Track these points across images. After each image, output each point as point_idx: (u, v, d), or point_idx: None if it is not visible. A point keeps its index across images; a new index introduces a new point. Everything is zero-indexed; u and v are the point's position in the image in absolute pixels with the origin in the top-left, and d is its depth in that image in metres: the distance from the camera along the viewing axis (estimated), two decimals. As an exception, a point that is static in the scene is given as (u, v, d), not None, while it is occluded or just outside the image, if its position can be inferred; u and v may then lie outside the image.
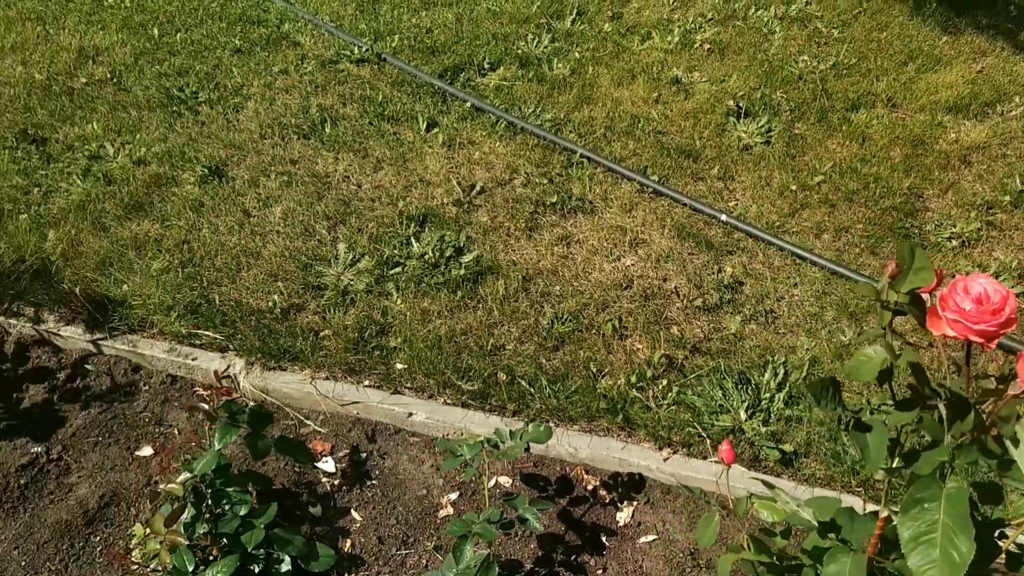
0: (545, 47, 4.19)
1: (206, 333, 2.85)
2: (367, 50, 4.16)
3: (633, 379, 2.62)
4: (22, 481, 2.58)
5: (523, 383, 2.66)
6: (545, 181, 3.40)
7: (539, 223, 3.24)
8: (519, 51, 4.15)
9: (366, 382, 2.73)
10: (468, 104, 3.80)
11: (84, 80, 4.04)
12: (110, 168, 3.53)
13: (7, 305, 2.97)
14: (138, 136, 3.70)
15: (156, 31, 4.37)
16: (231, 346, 2.84)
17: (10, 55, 4.19)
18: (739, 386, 2.61)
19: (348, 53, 4.18)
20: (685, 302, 2.90)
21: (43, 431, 2.70)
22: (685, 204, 3.23)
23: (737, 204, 3.29)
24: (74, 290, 2.96)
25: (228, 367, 2.78)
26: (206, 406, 2.30)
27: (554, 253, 3.10)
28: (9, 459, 2.62)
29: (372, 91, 3.93)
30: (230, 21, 4.45)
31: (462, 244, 3.15)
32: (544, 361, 2.73)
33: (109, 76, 4.07)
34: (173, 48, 4.27)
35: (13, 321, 2.95)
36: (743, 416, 2.52)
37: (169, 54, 4.24)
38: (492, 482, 2.52)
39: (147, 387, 2.85)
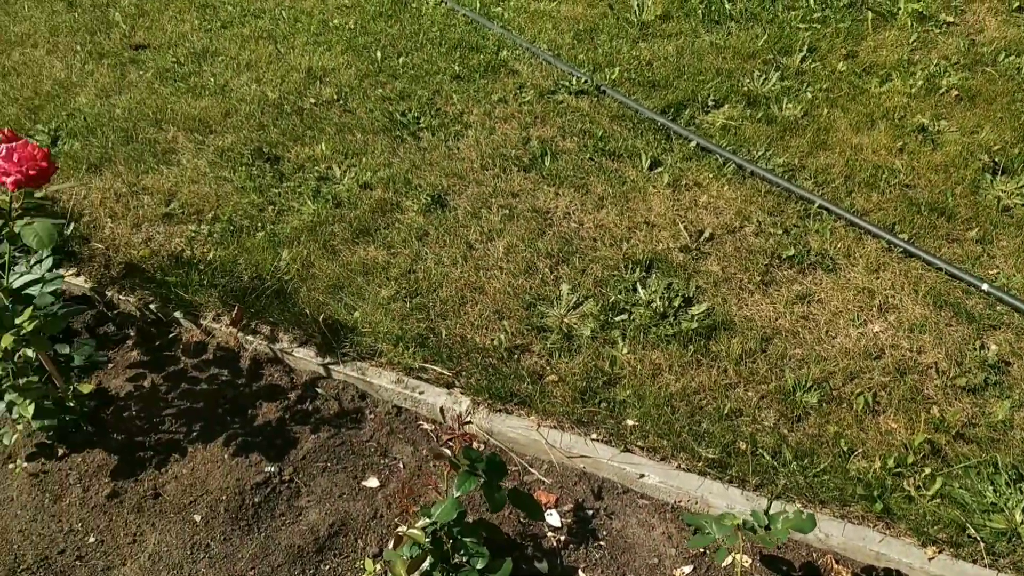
0: (773, 85, 3.99)
1: (433, 368, 2.84)
2: (586, 81, 4.10)
3: (891, 463, 2.40)
4: (256, 499, 2.63)
5: (765, 455, 2.49)
6: (779, 232, 3.21)
7: (775, 277, 3.06)
8: (745, 89, 3.97)
9: (594, 435, 2.64)
10: (693, 143, 3.66)
11: (312, 100, 4.16)
12: (338, 190, 3.61)
13: (246, 322, 3.06)
14: (363, 160, 3.77)
15: (379, 54, 4.46)
16: (457, 383, 2.82)
17: (245, 72, 4.38)
18: (1013, 483, 2.34)
19: (566, 84, 4.13)
20: (944, 380, 2.64)
21: (275, 451, 2.76)
22: (940, 269, 2.96)
23: (999, 272, 2.99)
24: (307, 312, 3.02)
25: (454, 405, 2.75)
26: (448, 452, 2.26)
27: (793, 312, 2.91)
28: (245, 476, 2.68)
29: (592, 124, 3.86)
30: (449, 46, 4.49)
31: (691, 294, 3.01)
32: (787, 432, 2.55)
33: (335, 97, 4.18)
34: (395, 72, 4.35)
35: (250, 338, 3.04)
36: (1019, 519, 2.26)
37: (391, 77, 4.31)
38: (728, 559, 2.37)
39: (373, 416, 2.86)
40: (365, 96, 4.19)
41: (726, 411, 2.62)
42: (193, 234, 3.41)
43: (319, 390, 2.95)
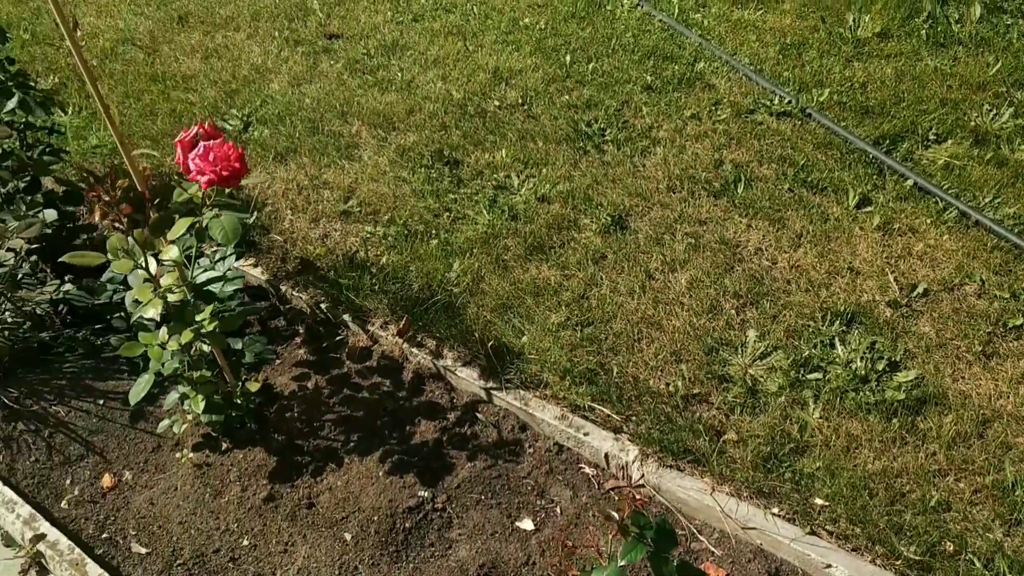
0: (1005, 123, 3.52)
1: (601, 409, 2.65)
2: (789, 102, 3.77)
3: None
4: (407, 524, 2.54)
5: (976, 562, 2.15)
6: (1007, 295, 2.81)
7: (998, 349, 2.67)
8: (973, 124, 3.53)
9: (775, 509, 2.37)
10: (909, 182, 3.28)
11: (497, 103, 4.04)
12: (514, 201, 3.47)
13: (412, 333, 2.97)
14: (543, 171, 3.61)
15: (568, 58, 4.29)
16: (626, 429, 2.61)
17: (432, 69, 4.31)
18: None
19: (767, 103, 3.81)
20: None
21: (430, 475, 2.66)
22: None
23: None
24: (473, 330, 2.91)
25: (621, 453, 2.55)
26: (616, 514, 2.07)
27: (1019, 393, 2.52)
28: (398, 498, 2.60)
29: (793, 151, 3.53)
30: (642, 54, 4.26)
31: (898, 358, 2.67)
32: (1004, 537, 2.20)
33: (520, 101, 4.04)
34: (583, 78, 4.16)
35: (415, 351, 2.95)
36: None
37: (578, 83, 4.13)
38: None
39: (532, 450, 2.71)
40: (550, 102, 4.03)
41: (932, 503, 2.29)
42: (368, 235, 3.36)
43: (479, 415, 2.82)
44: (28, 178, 3.16)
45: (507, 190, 3.55)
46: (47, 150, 3.27)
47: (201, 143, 2.38)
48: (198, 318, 2.48)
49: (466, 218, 3.43)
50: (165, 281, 2.43)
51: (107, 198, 2.16)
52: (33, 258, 3.17)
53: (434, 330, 2.97)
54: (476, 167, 3.68)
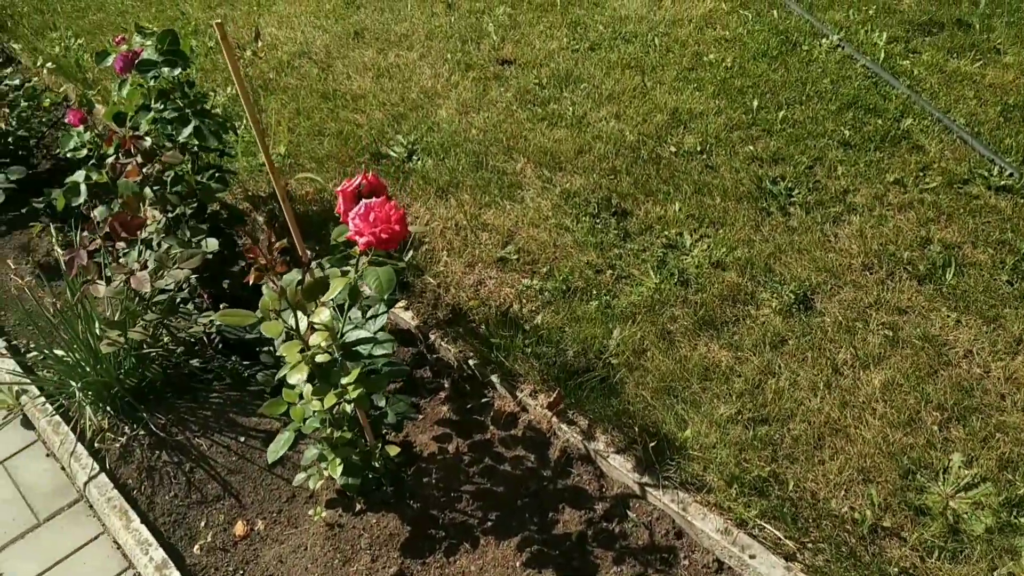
0: None
1: (771, 529, 2.33)
2: (1011, 175, 3.29)
3: None
4: (541, 630, 2.31)
5: None
6: None
7: None
8: None
9: None
10: None
11: (673, 149, 3.75)
12: (685, 264, 3.17)
13: (563, 407, 2.74)
14: (720, 232, 3.30)
15: (755, 102, 3.93)
16: (800, 558, 2.29)
17: (606, 105, 4.06)
18: None
19: (984, 173, 3.34)
20: None
21: (572, 575, 2.41)
22: None
23: None
24: (631, 413, 2.65)
25: (793, 588, 2.23)
26: None
27: None
28: (533, 597, 2.37)
29: (1014, 235, 3.07)
30: (841, 104, 3.85)
31: None
32: None
33: (698, 148, 3.73)
34: (770, 127, 3.80)
35: (564, 427, 2.72)
36: None
37: (765, 133, 3.78)
38: None
39: (688, 563, 2.42)
40: (732, 152, 3.70)
41: None
42: (524, 288, 3.16)
43: (630, 512, 2.56)
44: (195, 204, 3.13)
45: (678, 250, 3.26)
46: (215, 175, 3.24)
47: (363, 201, 2.23)
48: (344, 381, 2.34)
49: (631, 278, 3.16)
50: (314, 340, 2.30)
51: (263, 261, 2.03)
52: (192, 283, 3.14)
53: (587, 407, 2.73)
54: (645, 220, 3.41)
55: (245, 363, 3.18)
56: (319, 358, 2.31)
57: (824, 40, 4.30)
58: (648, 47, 4.48)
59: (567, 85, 4.26)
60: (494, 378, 2.91)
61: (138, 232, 2.72)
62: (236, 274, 3.32)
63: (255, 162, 3.99)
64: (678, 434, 2.60)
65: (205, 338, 3.05)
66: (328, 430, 2.48)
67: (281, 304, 2.19)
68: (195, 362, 3.13)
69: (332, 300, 2.29)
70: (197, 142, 3.06)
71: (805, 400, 2.65)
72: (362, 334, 2.43)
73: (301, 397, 2.36)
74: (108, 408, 3.02)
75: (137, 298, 2.83)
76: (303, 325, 2.22)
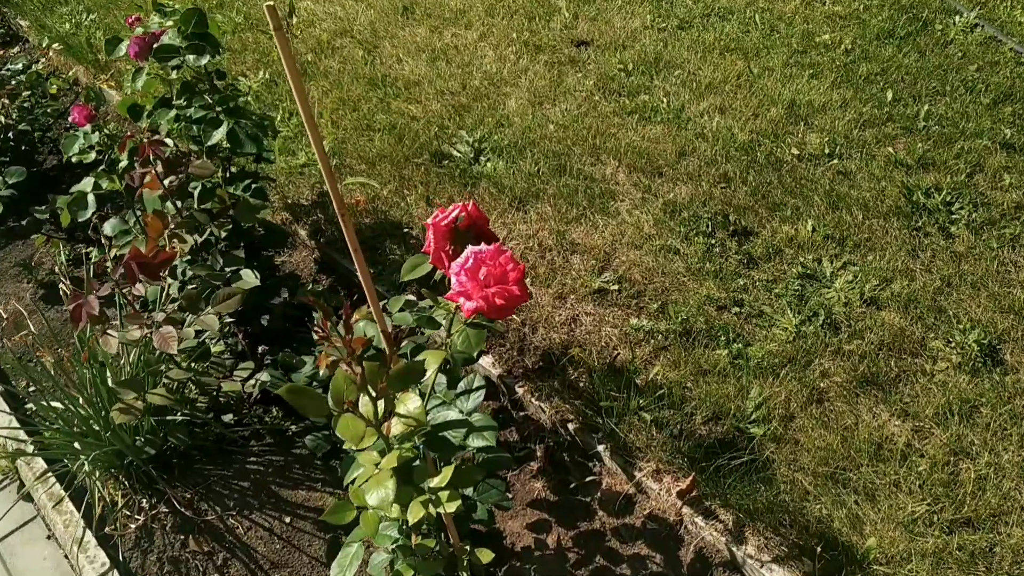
0: None
1: None
2: None
3: None
4: None
5: None
6: None
7: None
8: None
9: None
10: None
11: (795, 151, 3.11)
12: (830, 301, 2.56)
13: (696, 494, 2.14)
14: (868, 258, 2.67)
15: (888, 93, 3.28)
16: None
17: (707, 96, 3.42)
18: None
19: None
20: None
21: None
22: None
23: None
24: (786, 506, 2.05)
25: None
26: None
27: None
28: None
29: None
30: (994, 97, 3.20)
31: None
32: None
33: (825, 150, 3.09)
34: (911, 124, 3.15)
35: (700, 521, 2.12)
36: None
37: (905, 131, 3.13)
38: None
39: None
40: (868, 155, 3.05)
41: None
42: (632, 331, 2.55)
43: (796, 644, 1.96)
44: (229, 225, 2.54)
45: (817, 281, 2.64)
46: (251, 185, 2.64)
47: (470, 251, 1.63)
48: (432, 484, 1.75)
49: (763, 317, 2.55)
50: (395, 429, 1.70)
51: (339, 345, 1.44)
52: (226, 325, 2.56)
53: (730, 495, 2.13)
54: (772, 242, 2.78)
55: (288, 418, 2.61)
56: (404, 453, 1.73)
57: (958, 17, 3.63)
58: (748, 25, 3.82)
59: (657, 72, 3.62)
60: (602, 450, 2.31)
61: (162, 273, 2.13)
62: (277, 308, 2.72)
63: (294, 162, 3.39)
64: (855, 540, 2.00)
65: (243, 393, 2.47)
66: (405, 540, 1.90)
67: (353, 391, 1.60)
68: (228, 417, 2.55)
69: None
70: (230, 147, 2.46)
71: (1017, 494, 2.03)
72: (451, 415, 1.84)
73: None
74: (122, 479, 2.45)
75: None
76: (377, 407, 1.63)
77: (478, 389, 1.92)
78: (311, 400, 1.52)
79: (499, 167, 3.24)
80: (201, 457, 2.57)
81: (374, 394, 1.58)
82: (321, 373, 1.50)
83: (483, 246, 1.67)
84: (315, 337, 1.48)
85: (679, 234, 2.86)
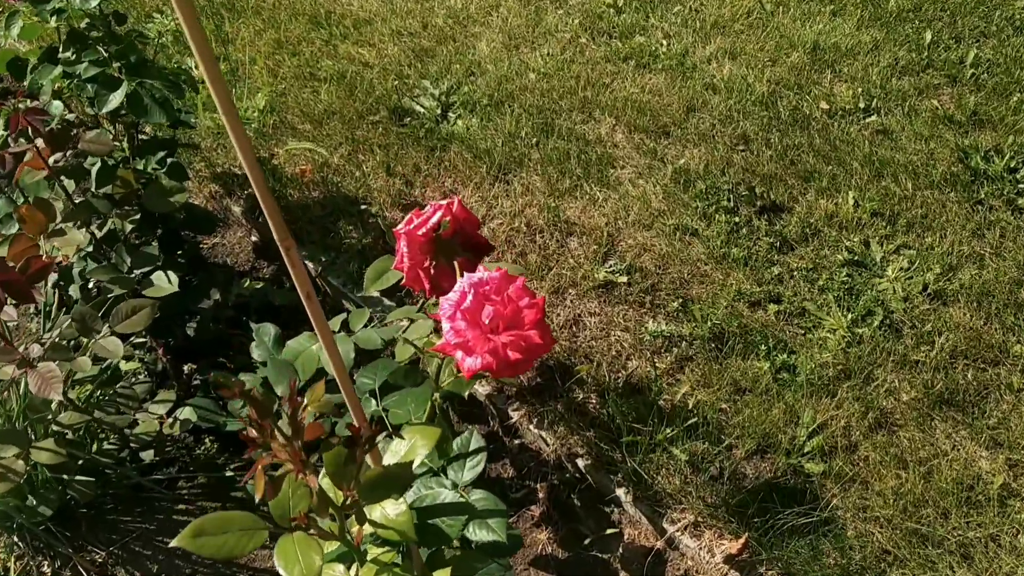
0: None
1: None
2: None
3: None
4: None
5: None
6: None
7: None
8: None
9: None
10: None
11: (824, 105, 2.62)
12: (884, 294, 2.11)
13: (744, 556, 1.69)
14: (925, 240, 2.22)
15: (926, 35, 2.80)
16: None
17: (714, 38, 2.91)
18: None
19: None
20: None
21: None
22: None
23: None
24: (861, 573, 1.60)
25: None
26: None
27: None
28: None
29: None
30: (1051, 38, 2.72)
31: None
32: None
33: (858, 103, 2.61)
34: (955, 71, 2.69)
35: (753, 591, 1.67)
36: None
37: (949, 80, 2.68)
38: None
39: None
40: (910, 109, 2.58)
41: None
42: (649, 337, 2.06)
43: None
44: (137, 212, 1.97)
45: (866, 269, 2.18)
46: (166, 159, 2.06)
47: (467, 282, 1.15)
48: (423, 598, 1.26)
49: (806, 317, 2.09)
50: (368, 529, 1.21)
51: (277, 446, 0.92)
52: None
53: (792, 559, 1.68)
54: (809, 220, 2.31)
55: (224, 452, 2.09)
56: (382, 557, 1.24)
57: (994, -56, 3.13)
58: (754, -47, 3.26)
59: (653, 8, 3.07)
60: (622, 494, 1.85)
61: (37, 288, 1.56)
62: (206, 312, 2.17)
63: (221, 122, 2.77)
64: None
65: (161, 430, 1.93)
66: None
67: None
68: (147, 455, 2.02)
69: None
70: (132, 116, 1.87)
71: None
72: (444, 494, 1.35)
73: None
74: (15, 539, 1.92)
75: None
76: (343, 521, 1.13)
77: (476, 453, 1.42)
78: (233, 536, 1.02)
79: (472, 126, 2.69)
80: (116, 507, 2.04)
81: (338, 503, 1.08)
82: (256, 498, 0.98)
83: (481, 273, 1.16)
84: (244, 439, 0.97)
85: (696, 210, 2.36)
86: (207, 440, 2.15)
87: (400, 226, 1.41)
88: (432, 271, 1.41)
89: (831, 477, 1.80)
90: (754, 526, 1.73)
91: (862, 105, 2.62)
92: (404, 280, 1.42)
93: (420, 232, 1.38)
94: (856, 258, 2.22)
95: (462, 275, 1.34)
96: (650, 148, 2.57)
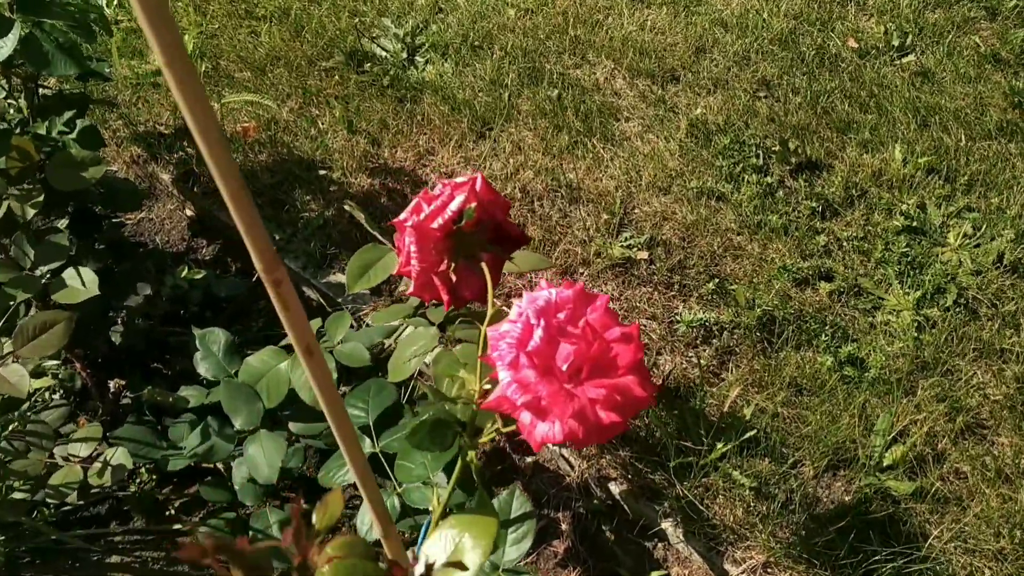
0: None
1: None
2: None
3: None
4: None
5: None
6: None
7: None
8: None
9: None
10: None
11: (853, 43, 2.28)
12: (949, 266, 1.80)
13: (831, 603, 1.37)
14: (991, 201, 1.90)
15: (958, -38, 2.45)
16: None
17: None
18: None
19: None
20: None
21: None
22: None
23: None
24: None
25: None
26: None
27: None
28: None
29: None
30: (1098, -35, 2.41)
31: None
32: None
33: (892, 41, 2.27)
34: (991, 2, 2.35)
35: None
36: None
37: (987, 14, 2.35)
38: None
39: None
40: (950, 47, 2.25)
41: None
42: (684, 326, 1.71)
43: None
44: (40, 191, 1.51)
45: (925, 236, 1.85)
46: (73, 122, 1.60)
47: (531, 305, 0.74)
48: None
49: (863, 297, 1.75)
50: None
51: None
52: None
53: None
54: (853, 180, 1.97)
55: (164, 482, 1.69)
56: None
57: None
58: None
59: (645, -69, 2.64)
60: (669, 527, 1.49)
61: None
62: (132, 310, 1.73)
63: (145, 68, 2.30)
64: None
65: (86, 478, 1.50)
66: None
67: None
68: (71, 497, 1.59)
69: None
70: (30, 67, 1.41)
71: None
72: (485, 585, 0.97)
73: None
74: None
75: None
76: None
77: (522, 520, 1.04)
78: None
79: (445, 73, 2.26)
80: (34, 562, 1.61)
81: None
82: None
83: (545, 291, 0.77)
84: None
85: (720, 171, 1.99)
86: (143, 471, 1.73)
87: (404, 215, 1.02)
88: (449, 276, 1.02)
89: (923, 499, 1.48)
90: (841, 568, 1.40)
91: (895, 43, 2.28)
92: (411, 289, 1.03)
93: (435, 225, 0.98)
94: (914, 224, 1.89)
95: (489, 278, 0.96)
96: (657, 96, 2.18)
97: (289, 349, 1.39)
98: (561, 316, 0.81)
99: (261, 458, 1.38)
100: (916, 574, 1.38)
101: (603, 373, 0.80)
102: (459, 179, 1.02)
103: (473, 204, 1.00)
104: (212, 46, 2.38)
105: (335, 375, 1.39)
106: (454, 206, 0.99)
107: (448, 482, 1.09)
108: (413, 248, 1.00)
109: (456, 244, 1.03)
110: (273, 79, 2.27)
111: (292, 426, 1.46)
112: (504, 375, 0.80)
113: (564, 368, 0.79)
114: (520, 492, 1.08)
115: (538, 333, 0.79)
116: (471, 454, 0.99)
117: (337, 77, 2.26)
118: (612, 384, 0.79)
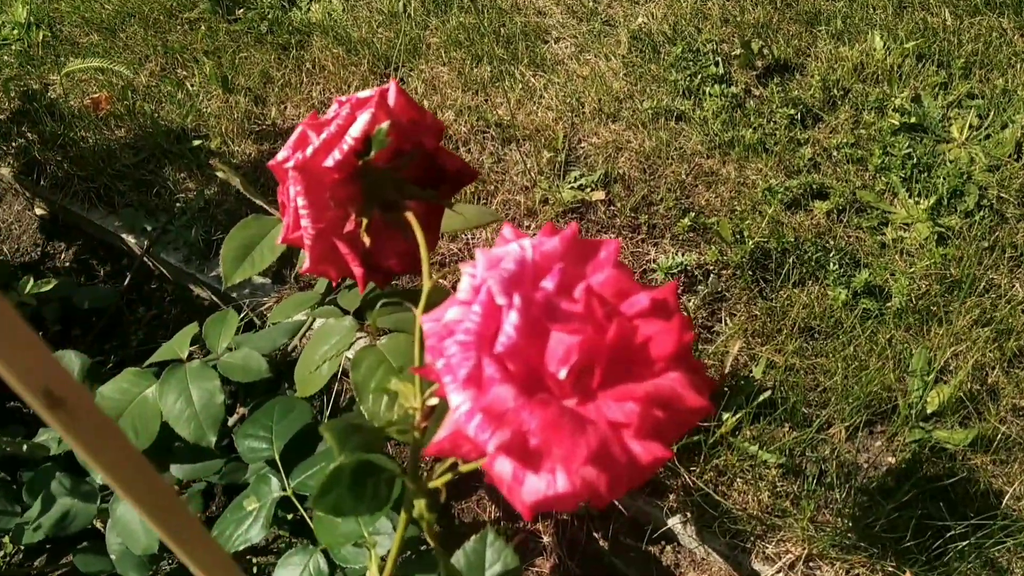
0: None
1: None
2: None
3: None
4: None
5: None
6: None
7: None
8: None
9: None
10: None
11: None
12: (963, 165, 1.51)
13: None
14: (994, 84, 1.62)
15: None
16: None
17: None
18: None
19: None
20: None
21: None
22: None
23: None
24: None
25: None
26: None
27: None
28: None
29: None
30: None
31: None
32: None
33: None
34: None
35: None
36: None
37: None
38: None
39: None
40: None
41: None
42: (663, 272, 1.38)
43: None
44: None
45: (925, 133, 1.55)
46: None
47: (494, 268, 0.35)
48: None
49: (866, 213, 1.45)
50: None
51: None
52: None
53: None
54: (827, 75, 1.66)
55: (33, 555, 1.32)
56: None
57: None
58: None
59: None
60: (677, 524, 1.17)
61: None
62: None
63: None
64: None
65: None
66: None
67: None
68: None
69: None
70: None
71: None
72: None
73: None
74: None
75: None
76: None
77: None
78: None
79: (335, 10, 1.88)
80: None
81: None
82: None
83: (513, 241, 0.42)
84: None
85: (676, 86, 1.66)
86: (6, 540, 1.35)
87: (283, 153, 0.66)
88: (364, 236, 0.68)
89: (984, 449, 1.18)
90: (907, 553, 1.10)
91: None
92: (307, 265, 0.68)
93: (329, 162, 0.64)
94: (911, 120, 1.58)
95: (421, 238, 0.61)
96: (589, 9, 1.83)
97: (160, 369, 1.03)
98: (548, 285, 0.46)
99: (135, 522, 1.01)
100: (1002, 548, 1.08)
101: (629, 374, 0.46)
102: (362, 93, 0.67)
103: (386, 124, 0.64)
104: (51, 11, 1.96)
105: (221, 396, 1.03)
106: (356, 130, 0.64)
107: (395, 531, 0.75)
108: (301, 201, 0.66)
109: (366, 188, 0.68)
110: (127, 39, 1.86)
111: (175, 469, 1.10)
112: (458, 398, 0.45)
113: (563, 374, 0.44)
114: (495, 537, 0.74)
115: (511, 319, 0.44)
116: (420, 505, 0.63)
117: (204, 28, 1.86)
118: (647, 392, 0.45)
